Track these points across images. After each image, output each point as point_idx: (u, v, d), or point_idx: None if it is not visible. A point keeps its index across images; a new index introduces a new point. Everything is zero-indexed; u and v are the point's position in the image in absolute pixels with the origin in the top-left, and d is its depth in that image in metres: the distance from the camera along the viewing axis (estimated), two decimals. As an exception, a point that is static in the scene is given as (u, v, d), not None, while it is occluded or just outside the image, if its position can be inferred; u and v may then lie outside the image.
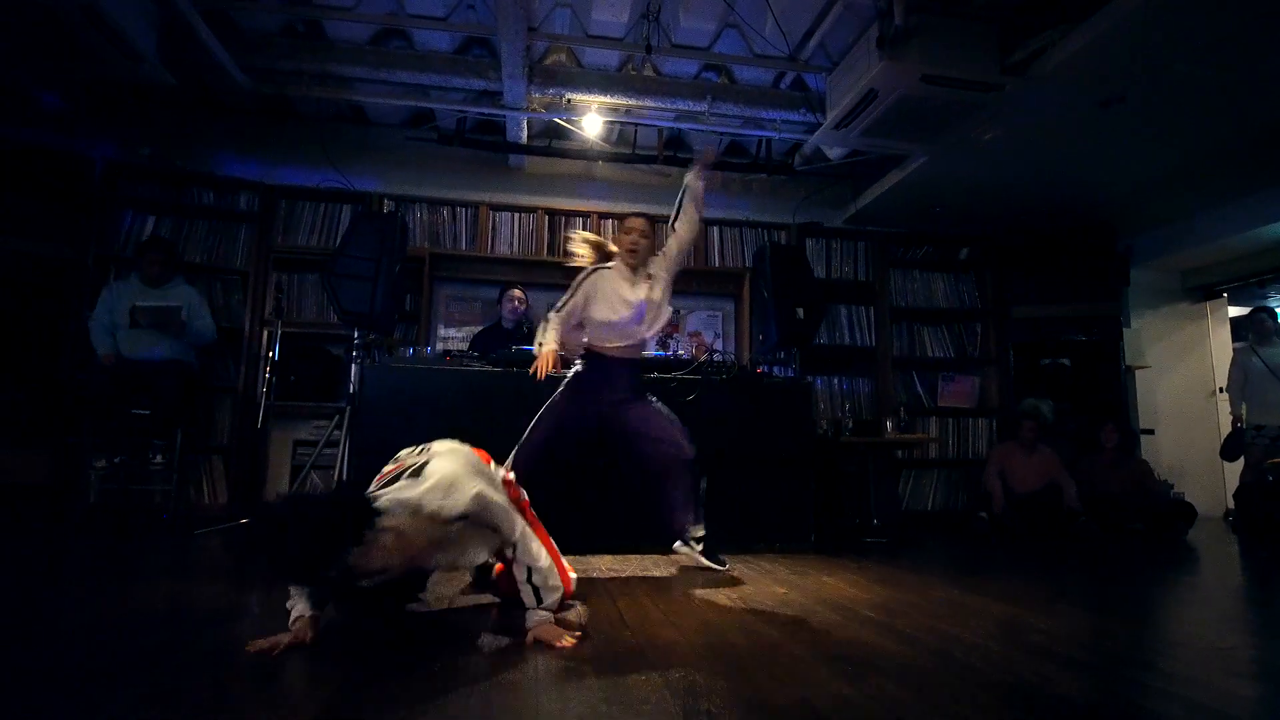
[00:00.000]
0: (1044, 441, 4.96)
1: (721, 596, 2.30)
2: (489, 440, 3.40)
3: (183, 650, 1.60)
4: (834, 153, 5.05)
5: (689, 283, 5.57)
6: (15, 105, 4.45)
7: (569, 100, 4.59)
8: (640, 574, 2.78)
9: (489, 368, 3.58)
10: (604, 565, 2.98)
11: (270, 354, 4.22)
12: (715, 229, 5.55)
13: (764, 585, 2.54)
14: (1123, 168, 4.87)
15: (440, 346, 4.94)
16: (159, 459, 4.10)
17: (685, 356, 4.22)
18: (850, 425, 4.64)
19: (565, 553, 2.06)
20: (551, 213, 5.32)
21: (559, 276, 5.16)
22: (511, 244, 5.22)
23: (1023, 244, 5.76)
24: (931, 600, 2.29)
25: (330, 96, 4.66)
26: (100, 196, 4.58)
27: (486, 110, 4.75)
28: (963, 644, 1.70)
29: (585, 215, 5.35)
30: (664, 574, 2.80)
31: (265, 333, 4.72)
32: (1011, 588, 2.64)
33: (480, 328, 4.88)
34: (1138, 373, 5.83)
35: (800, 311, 4.43)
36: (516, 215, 5.27)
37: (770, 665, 1.51)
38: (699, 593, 2.38)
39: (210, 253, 4.79)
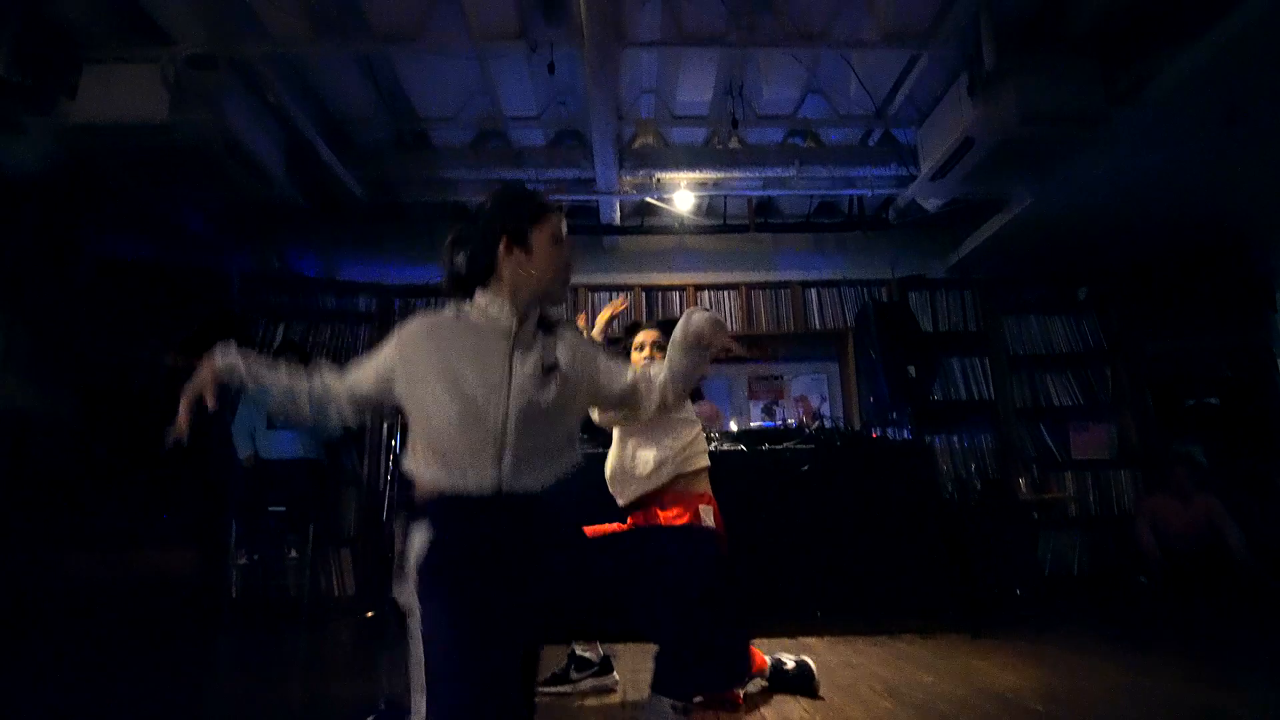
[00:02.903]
0: (1202, 489, 4.48)
1: (864, 688, 2.15)
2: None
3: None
4: (930, 203, 4.93)
5: (790, 346, 5.50)
6: (164, 231, 4.95)
7: (659, 179, 4.70)
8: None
9: (599, 449, 3.59)
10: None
11: (392, 444, 4.40)
12: (813, 290, 5.46)
13: (909, 672, 2.36)
14: (1256, 184, 4.49)
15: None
16: (293, 553, 4.30)
17: (794, 424, 4.13)
18: (978, 486, 4.35)
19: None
20: (648, 289, 5.40)
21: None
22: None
23: (1149, 276, 5.37)
24: (1104, 686, 2.06)
25: (435, 198, 4.98)
26: (238, 308, 4.99)
27: (580, 196, 4.92)
28: (1158, 743, 1.51)
29: (680, 288, 5.40)
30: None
31: (385, 425, 4.93)
32: (1195, 665, 2.35)
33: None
34: (1301, 407, 5.25)
35: (911, 369, 4.26)
36: (614, 294, 5.37)
37: (938, 773, 1.38)
38: (840, 685, 2.23)
39: (335, 353, 5.10)
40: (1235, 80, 3.36)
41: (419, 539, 1.34)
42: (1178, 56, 3.29)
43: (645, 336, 2.55)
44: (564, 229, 1.57)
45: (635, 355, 2.54)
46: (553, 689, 2.36)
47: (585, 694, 2.32)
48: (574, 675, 2.43)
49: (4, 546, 3.86)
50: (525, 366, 1.46)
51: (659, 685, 1.36)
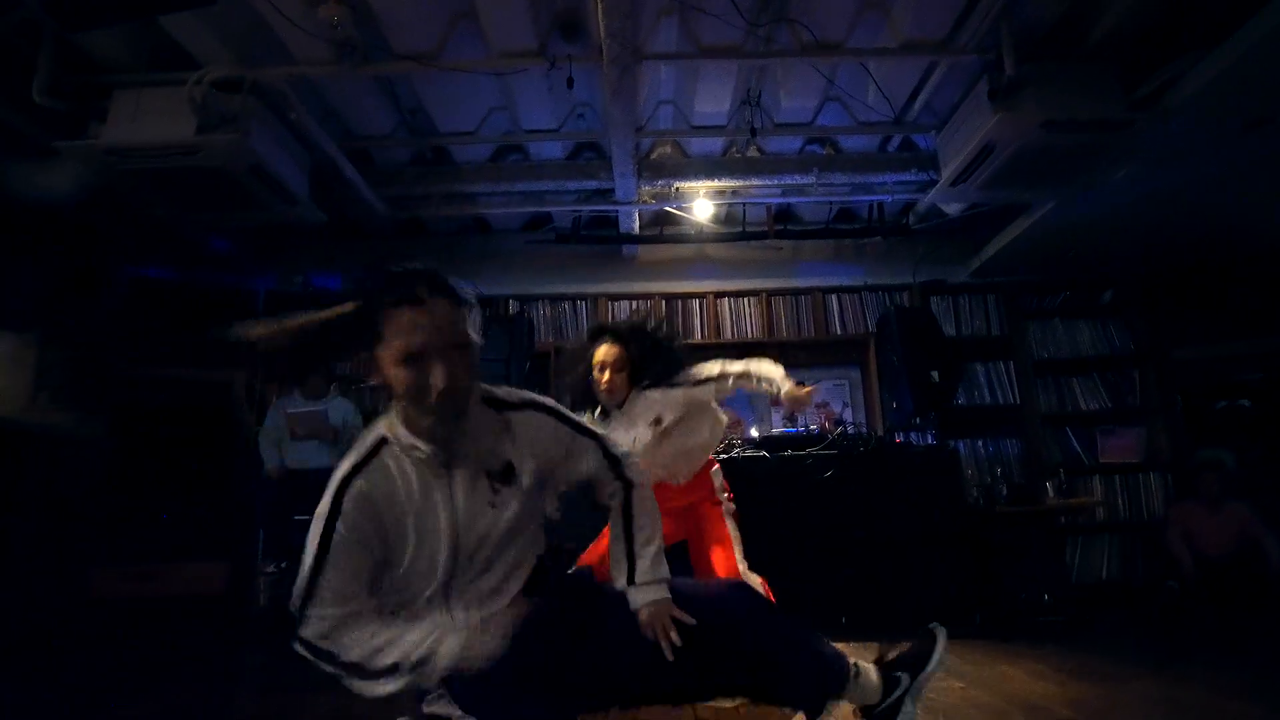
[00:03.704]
0: (1233, 495, 4.40)
1: (893, 695, 2.14)
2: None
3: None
4: (952, 208, 4.91)
5: (811, 353, 5.49)
6: (192, 252, 5.05)
7: (677, 189, 4.73)
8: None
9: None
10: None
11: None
12: (834, 297, 5.46)
13: (939, 679, 2.33)
14: (1281, 187, 4.43)
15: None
16: (319, 562, 4.35)
17: (816, 431, 4.12)
18: (1004, 492, 4.31)
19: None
20: (667, 297, 5.42)
21: (679, 359, 5.26)
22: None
23: (1176, 280, 5.30)
24: (1140, 696, 2.03)
25: (457, 213, 5.05)
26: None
27: (599, 207, 4.97)
28: (1194, 754, 1.49)
29: (700, 297, 5.42)
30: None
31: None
32: (1234, 678, 2.30)
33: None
34: (1336, 410, 5.14)
35: (935, 374, 4.24)
36: (633, 303, 5.40)
37: (970, 783, 1.37)
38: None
39: (357, 366, 5.16)
40: (1258, 86, 3.32)
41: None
42: (1200, 63, 3.26)
43: (605, 354, 2.29)
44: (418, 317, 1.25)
45: (596, 375, 2.31)
46: None
47: None
48: None
49: (38, 561, 3.94)
50: (464, 493, 1.31)
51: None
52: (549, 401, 1.47)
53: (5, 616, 3.68)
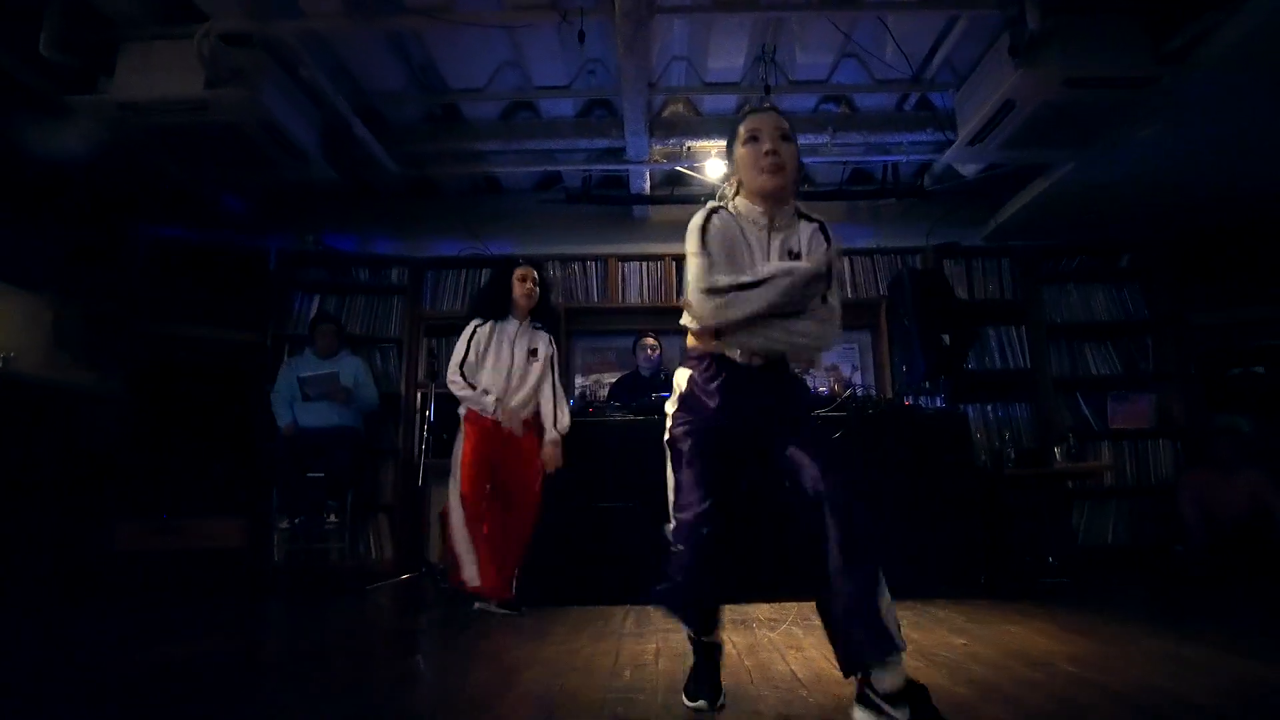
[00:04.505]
0: (1247, 461, 4.38)
1: (897, 650, 2.17)
2: (634, 486, 3.42)
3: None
4: (968, 169, 4.82)
5: (822, 316, 5.45)
6: (205, 211, 5.04)
7: (689, 148, 4.67)
8: (803, 622, 2.68)
9: (632, 417, 3.63)
10: (761, 615, 2.91)
11: (426, 414, 4.48)
12: (846, 259, 5.41)
13: (941, 635, 2.37)
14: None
15: (576, 391, 5.11)
16: (333, 519, 4.43)
17: (825, 392, 4.11)
18: (1013, 456, 4.31)
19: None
20: (678, 259, 5.37)
21: (690, 321, 5.25)
22: (642, 293, 5.32)
23: (1196, 244, 5.21)
24: (1141, 652, 2.05)
25: (467, 172, 5.01)
26: (276, 284, 5.10)
27: (610, 167, 4.92)
28: (1195, 709, 1.50)
29: (711, 258, 5.37)
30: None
31: (419, 395, 5.03)
32: (1235, 636, 2.32)
33: (613, 375, 5.03)
34: (1354, 377, 5.08)
35: (946, 338, 4.21)
36: (644, 264, 5.38)
37: (970, 731, 1.40)
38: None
39: (368, 325, 5.21)
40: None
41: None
42: (1231, 17, 3.15)
43: (528, 271, 3.29)
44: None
45: (517, 281, 3.26)
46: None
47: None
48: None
49: (57, 517, 4.03)
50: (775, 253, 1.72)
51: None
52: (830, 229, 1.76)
53: (31, 567, 3.78)
